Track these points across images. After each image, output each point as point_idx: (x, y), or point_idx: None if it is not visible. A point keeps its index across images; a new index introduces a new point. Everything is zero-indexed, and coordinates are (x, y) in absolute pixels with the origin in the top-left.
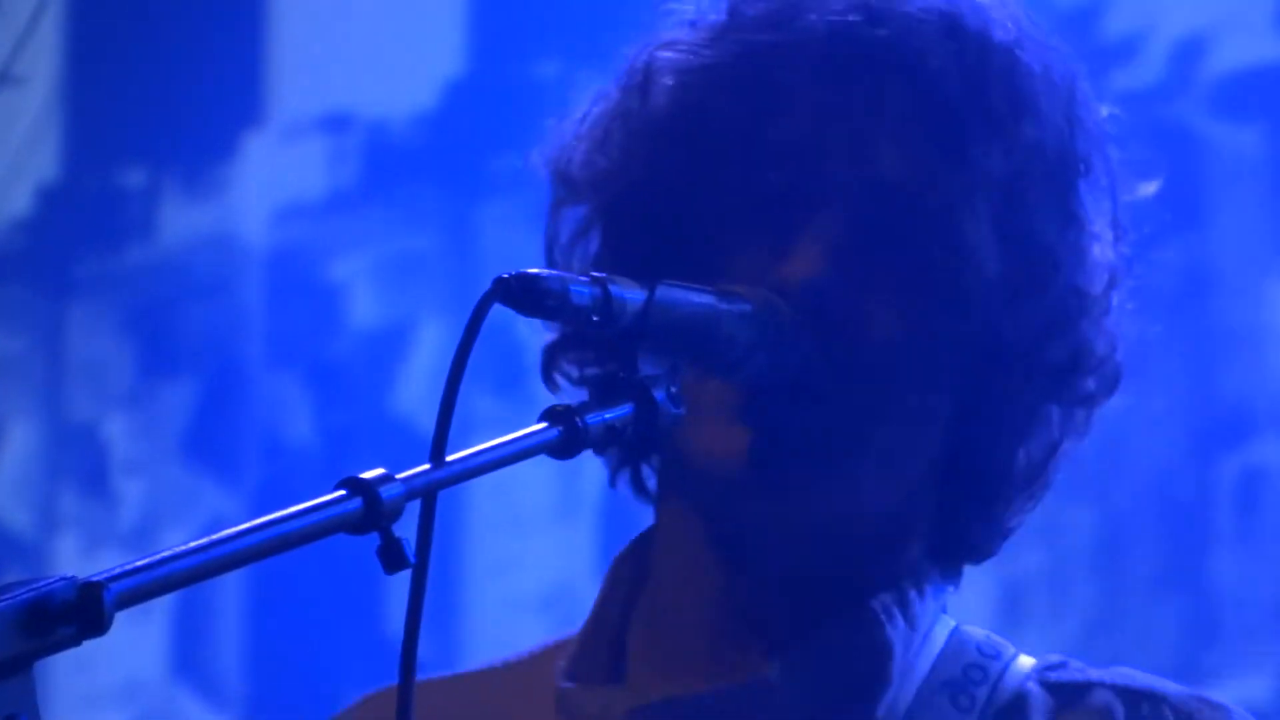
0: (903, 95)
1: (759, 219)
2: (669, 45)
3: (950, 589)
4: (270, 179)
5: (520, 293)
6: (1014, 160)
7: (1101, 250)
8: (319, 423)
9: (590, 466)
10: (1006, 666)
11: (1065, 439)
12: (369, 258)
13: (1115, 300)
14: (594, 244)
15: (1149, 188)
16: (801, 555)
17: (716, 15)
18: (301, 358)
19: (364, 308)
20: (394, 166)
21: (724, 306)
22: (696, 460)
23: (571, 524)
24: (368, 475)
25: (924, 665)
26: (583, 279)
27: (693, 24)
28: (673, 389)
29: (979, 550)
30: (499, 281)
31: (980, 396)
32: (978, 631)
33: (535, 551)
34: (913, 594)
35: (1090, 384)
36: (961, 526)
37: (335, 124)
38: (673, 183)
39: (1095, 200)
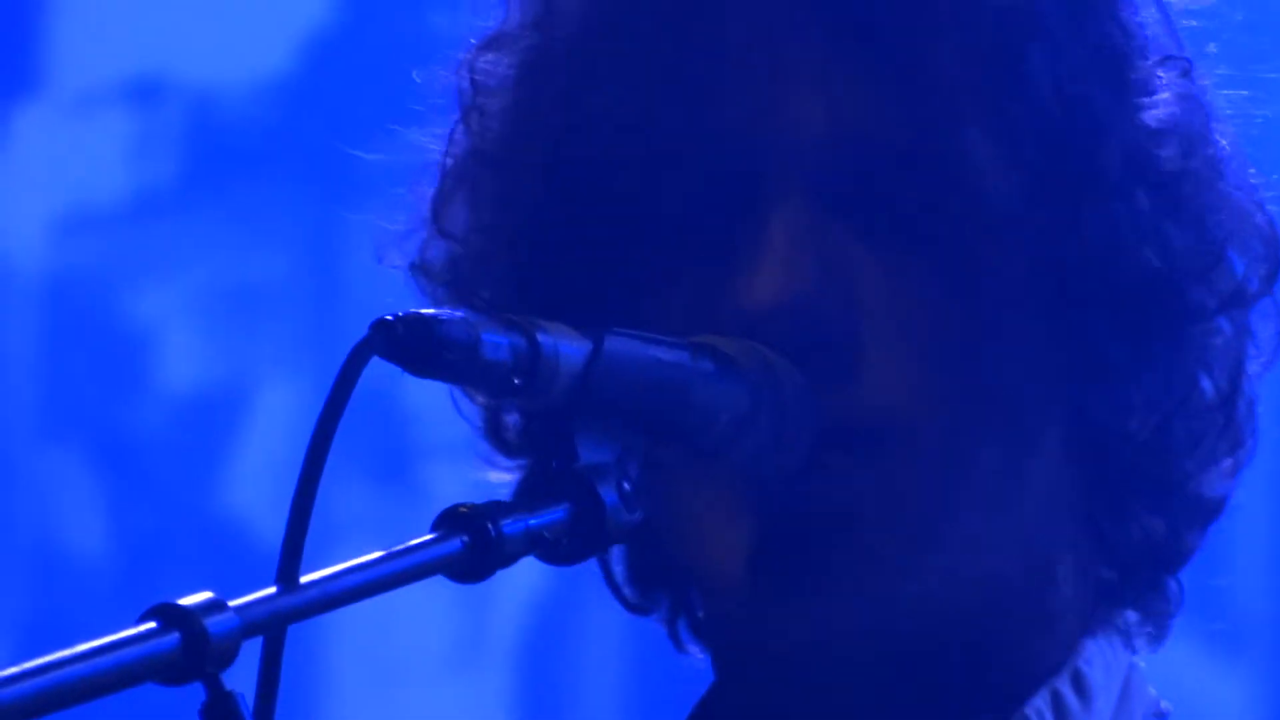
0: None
1: (692, 222)
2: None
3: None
4: (47, 172)
5: (410, 342)
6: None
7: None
8: (114, 523)
9: (506, 592)
10: None
11: (1226, 364)
12: (188, 287)
13: (1223, 154)
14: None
15: None
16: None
17: None
18: (88, 430)
19: (180, 359)
20: (227, 156)
21: (697, 365)
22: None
23: (477, 673)
24: (188, 601)
25: None
26: (498, 324)
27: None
28: (625, 485)
29: (1163, 552)
30: (380, 325)
31: (1079, 358)
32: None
33: (425, 711)
34: (1068, 685)
35: (1223, 278)
36: (1126, 530)
37: (143, 93)
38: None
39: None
